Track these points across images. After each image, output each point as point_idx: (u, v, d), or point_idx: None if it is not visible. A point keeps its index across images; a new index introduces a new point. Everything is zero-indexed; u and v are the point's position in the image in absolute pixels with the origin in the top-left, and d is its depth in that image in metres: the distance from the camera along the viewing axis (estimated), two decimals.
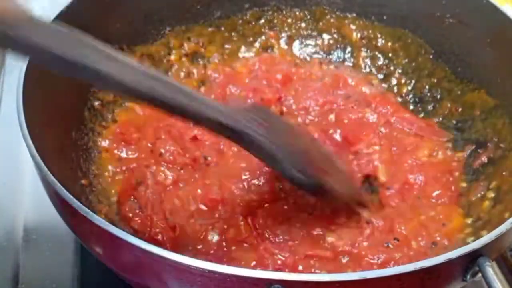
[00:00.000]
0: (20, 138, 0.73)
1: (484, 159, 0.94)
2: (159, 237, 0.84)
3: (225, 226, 0.85)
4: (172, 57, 1.12)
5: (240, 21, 1.16)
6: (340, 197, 0.86)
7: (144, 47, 1.08)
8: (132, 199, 0.89)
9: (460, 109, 1.03)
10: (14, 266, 0.89)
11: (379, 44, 1.15)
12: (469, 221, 0.88)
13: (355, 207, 0.89)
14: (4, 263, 0.90)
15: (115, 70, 0.62)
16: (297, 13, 1.18)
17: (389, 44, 1.14)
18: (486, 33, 0.97)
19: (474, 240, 0.70)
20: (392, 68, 1.14)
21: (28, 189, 1.00)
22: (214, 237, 0.84)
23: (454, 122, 1.03)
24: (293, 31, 1.19)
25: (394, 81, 1.13)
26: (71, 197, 0.67)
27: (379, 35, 1.15)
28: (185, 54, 1.13)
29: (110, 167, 0.94)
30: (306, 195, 0.88)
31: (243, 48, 1.18)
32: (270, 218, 0.86)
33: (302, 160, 0.81)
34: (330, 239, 0.84)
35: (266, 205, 0.89)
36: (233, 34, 1.17)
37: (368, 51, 1.16)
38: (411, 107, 1.09)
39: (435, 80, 1.08)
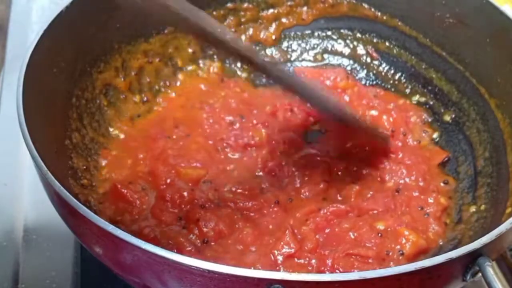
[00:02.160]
0: (20, 138, 0.73)
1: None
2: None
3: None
4: (178, 60, 1.12)
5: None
6: (364, 128, 0.97)
7: (146, 46, 1.08)
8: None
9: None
10: (14, 266, 0.89)
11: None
12: None
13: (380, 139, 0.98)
14: (4, 263, 0.90)
15: None
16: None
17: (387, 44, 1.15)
18: (486, 33, 0.97)
19: None
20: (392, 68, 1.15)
21: (28, 189, 1.00)
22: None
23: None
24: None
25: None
26: (71, 197, 0.67)
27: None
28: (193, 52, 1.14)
29: (110, 167, 0.94)
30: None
31: None
32: None
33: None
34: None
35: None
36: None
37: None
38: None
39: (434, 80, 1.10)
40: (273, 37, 1.18)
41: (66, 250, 0.91)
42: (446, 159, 1.01)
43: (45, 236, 0.93)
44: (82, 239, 0.75)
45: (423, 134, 1.05)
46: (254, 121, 1.04)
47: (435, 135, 1.05)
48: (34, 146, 0.71)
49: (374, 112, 1.07)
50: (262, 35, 1.17)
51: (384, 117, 1.06)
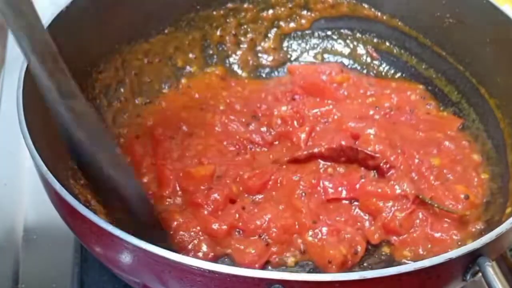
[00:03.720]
0: (20, 138, 0.73)
1: None
2: None
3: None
4: (178, 60, 1.12)
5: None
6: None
7: (146, 46, 1.08)
8: None
9: None
10: (14, 266, 0.89)
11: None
12: None
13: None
14: (4, 263, 0.90)
15: None
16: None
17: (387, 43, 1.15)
18: (486, 33, 0.97)
19: None
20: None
21: (28, 189, 1.00)
22: None
23: None
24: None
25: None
26: (71, 197, 0.67)
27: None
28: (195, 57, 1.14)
29: None
30: None
31: None
32: None
33: None
34: None
35: None
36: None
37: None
38: None
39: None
40: (272, 46, 1.18)
41: (66, 250, 0.91)
42: (463, 123, 1.02)
43: (45, 236, 0.93)
44: (82, 239, 0.75)
45: (428, 106, 1.07)
46: (258, 117, 1.05)
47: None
48: (34, 146, 0.71)
49: (373, 99, 1.08)
50: (261, 47, 1.18)
51: (385, 100, 1.07)
